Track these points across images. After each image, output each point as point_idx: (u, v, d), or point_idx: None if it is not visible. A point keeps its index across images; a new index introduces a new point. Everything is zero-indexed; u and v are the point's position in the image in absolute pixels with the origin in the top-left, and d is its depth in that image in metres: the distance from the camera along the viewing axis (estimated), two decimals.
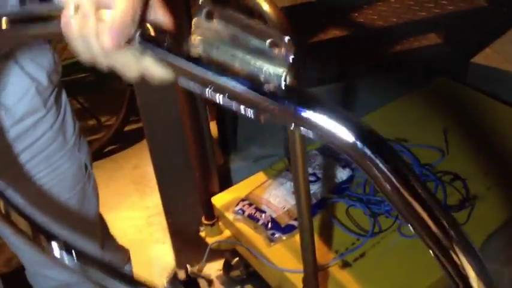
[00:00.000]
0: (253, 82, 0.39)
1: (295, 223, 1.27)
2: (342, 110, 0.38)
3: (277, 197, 1.31)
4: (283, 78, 0.38)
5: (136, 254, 1.67)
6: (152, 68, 0.43)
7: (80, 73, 1.88)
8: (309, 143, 1.51)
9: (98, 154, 2.06)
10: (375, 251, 1.22)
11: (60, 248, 0.56)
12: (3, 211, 0.58)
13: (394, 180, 0.36)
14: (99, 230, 1.08)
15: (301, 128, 0.38)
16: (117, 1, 0.41)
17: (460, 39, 1.77)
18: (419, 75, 1.75)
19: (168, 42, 0.41)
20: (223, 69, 0.40)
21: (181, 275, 1.13)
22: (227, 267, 1.47)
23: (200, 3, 0.39)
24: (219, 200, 1.40)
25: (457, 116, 1.54)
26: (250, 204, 1.33)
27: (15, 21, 0.46)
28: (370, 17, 1.54)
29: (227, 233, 1.40)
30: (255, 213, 1.30)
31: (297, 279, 1.15)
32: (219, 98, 0.40)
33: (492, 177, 1.35)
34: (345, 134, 0.36)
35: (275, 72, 0.38)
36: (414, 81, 1.72)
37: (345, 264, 1.20)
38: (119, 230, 1.78)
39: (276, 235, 1.26)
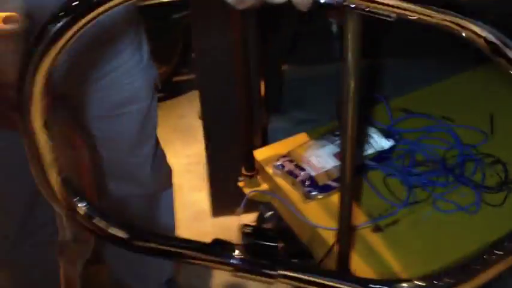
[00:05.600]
0: None
1: (332, 183, 1.31)
2: None
3: (318, 157, 1.35)
4: None
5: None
6: None
7: None
8: None
9: None
10: (407, 220, 1.25)
11: None
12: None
13: None
14: (154, 150, 1.19)
15: None
16: None
17: None
18: (473, 55, 1.73)
19: None
20: None
21: None
22: (260, 220, 1.52)
23: None
24: (260, 154, 1.45)
25: (505, 100, 1.53)
26: (290, 161, 1.37)
27: None
28: None
29: (264, 186, 1.45)
30: (294, 170, 1.34)
31: (329, 235, 1.20)
32: None
33: None
34: None
35: None
36: (466, 62, 1.70)
37: (377, 229, 1.23)
38: None
39: (313, 193, 1.30)
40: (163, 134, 2.05)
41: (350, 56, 0.79)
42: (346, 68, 0.82)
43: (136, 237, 0.59)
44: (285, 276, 0.58)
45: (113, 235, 0.59)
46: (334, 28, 1.06)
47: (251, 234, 0.61)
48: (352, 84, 0.84)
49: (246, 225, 0.63)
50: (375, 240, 1.21)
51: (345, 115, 0.89)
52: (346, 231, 1.07)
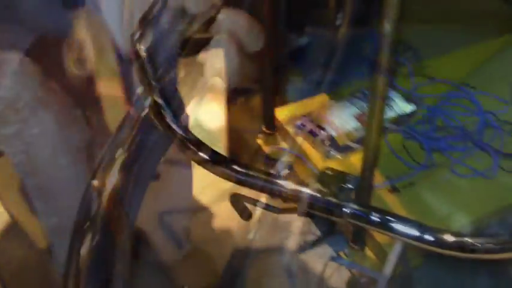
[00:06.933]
0: None
1: (352, 145, 1.33)
2: None
3: (340, 119, 1.36)
4: None
5: None
6: None
7: None
8: None
9: None
10: (424, 183, 1.27)
11: None
12: None
13: None
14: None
15: None
16: None
17: None
18: (497, 24, 1.71)
19: None
20: None
21: None
22: None
23: None
24: (281, 112, 1.46)
25: None
26: (311, 121, 1.39)
27: None
28: None
29: (283, 145, 1.47)
30: (315, 129, 1.36)
31: None
32: None
33: None
34: None
35: None
36: (491, 31, 1.69)
37: (394, 189, 1.26)
38: None
39: (332, 152, 1.32)
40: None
41: (390, 16, 0.81)
42: (385, 28, 0.83)
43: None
44: (353, 216, 0.63)
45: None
46: None
47: (330, 176, 0.67)
48: (388, 46, 0.85)
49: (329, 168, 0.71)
50: (392, 200, 1.24)
51: (377, 76, 0.90)
52: (367, 191, 1.09)
